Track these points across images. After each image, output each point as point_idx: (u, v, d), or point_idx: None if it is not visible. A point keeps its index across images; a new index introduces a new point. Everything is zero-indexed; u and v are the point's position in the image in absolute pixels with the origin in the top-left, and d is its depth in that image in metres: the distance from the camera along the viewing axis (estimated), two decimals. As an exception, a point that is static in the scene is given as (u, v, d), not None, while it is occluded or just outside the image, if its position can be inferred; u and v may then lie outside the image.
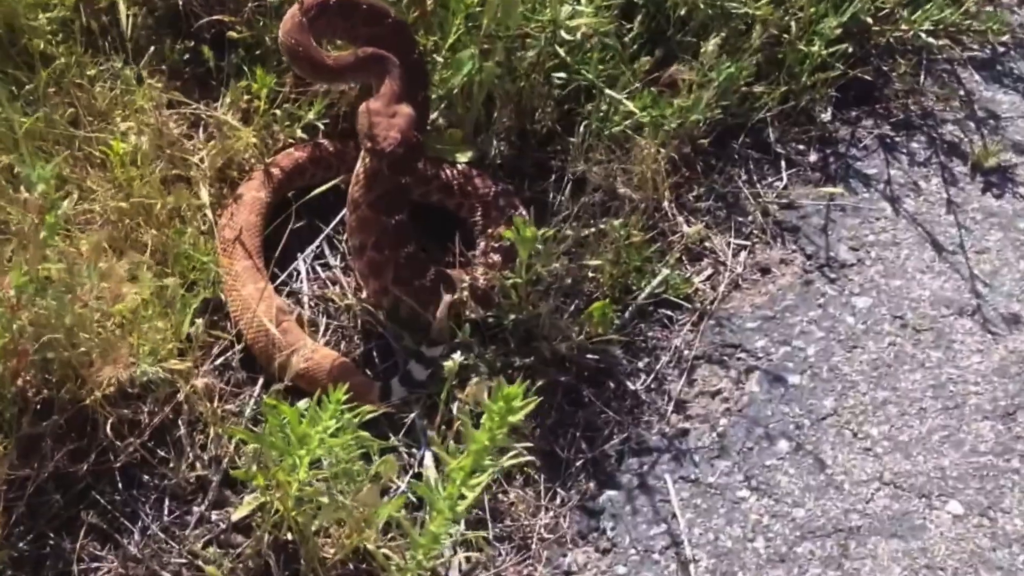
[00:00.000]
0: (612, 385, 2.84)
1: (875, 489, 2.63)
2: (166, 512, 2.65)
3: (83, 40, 3.11)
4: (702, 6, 3.22)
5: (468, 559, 2.59)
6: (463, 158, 3.06)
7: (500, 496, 2.67)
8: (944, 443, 2.69)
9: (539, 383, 2.77)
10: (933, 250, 3.02)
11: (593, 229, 2.95)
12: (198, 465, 2.68)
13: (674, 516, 2.61)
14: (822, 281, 2.99)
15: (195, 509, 2.65)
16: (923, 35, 3.37)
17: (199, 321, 2.67)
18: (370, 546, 2.40)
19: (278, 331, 2.77)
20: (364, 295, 2.89)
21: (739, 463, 2.68)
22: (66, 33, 3.09)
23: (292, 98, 3.18)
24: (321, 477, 2.36)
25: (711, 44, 3.06)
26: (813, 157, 3.26)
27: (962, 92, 3.40)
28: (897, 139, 3.28)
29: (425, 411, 2.71)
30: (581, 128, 3.05)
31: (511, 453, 2.43)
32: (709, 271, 3.05)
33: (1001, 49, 3.50)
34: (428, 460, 2.67)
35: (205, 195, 2.89)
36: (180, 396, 2.65)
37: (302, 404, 2.38)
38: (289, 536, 2.48)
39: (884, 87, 3.38)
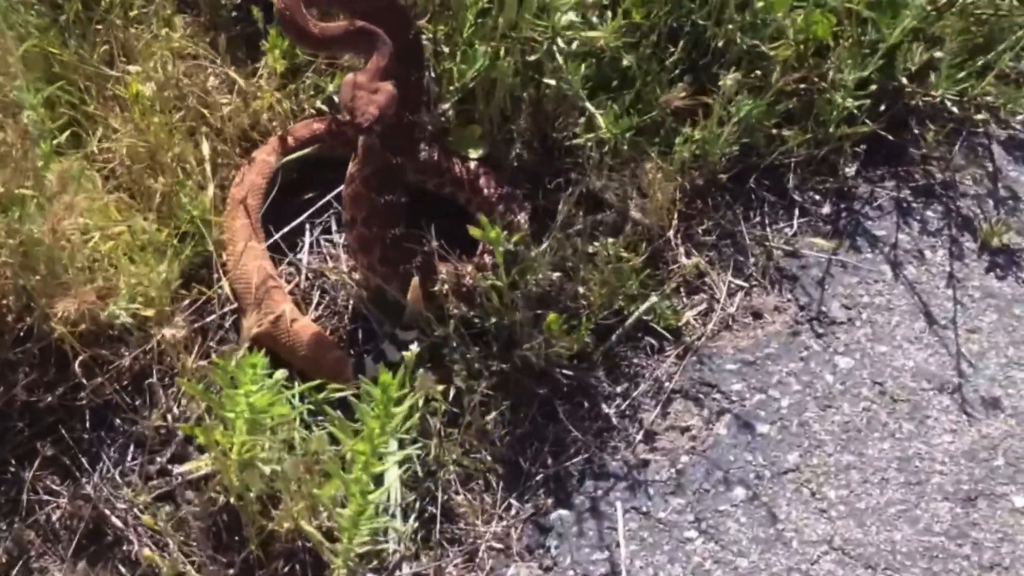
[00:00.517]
0: (587, 405, 2.86)
1: (823, 552, 2.63)
2: (128, 458, 2.70)
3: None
4: (738, 40, 3.19)
5: (414, 555, 2.62)
6: (474, 154, 3.07)
7: (456, 498, 2.69)
8: (900, 517, 2.69)
9: (515, 391, 2.84)
10: (925, 321, 3.01)
11: (592, 246, 2.96)
12: (169, 417, 2.72)
13: (618, 545, 2.62)
14: (809, 335, 2.98)
15: (157, 460, 2.70)
16: (948, 103, 3.33)
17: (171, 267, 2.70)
18: (303, 523, 2.42)
19: (261, 293, 2.80)
20: (356, 275, 2.91)
21: (692, 503, 2.69)
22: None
23: (323, 68, 3.21)
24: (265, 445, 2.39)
25: (729, 79, 3.04)
26: (826, 209, 3.24)
27: (989, 167, 3.36)
28: (914, 204, 3.26)
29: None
30: (595, 142, 3.05)
31: (404, 451, 2.44)
32: (703, 307, 3.05)
33: (1035, 130, 3.47)
34: (393, 446, 2.69)
35: (206, 149, 2.92)
36: (153, 345, 2.69)
37: (279, 374, 2.43)
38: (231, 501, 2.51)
39: (912, 150, 3.35)
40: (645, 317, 2.97)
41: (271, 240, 2.98)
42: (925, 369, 2.93)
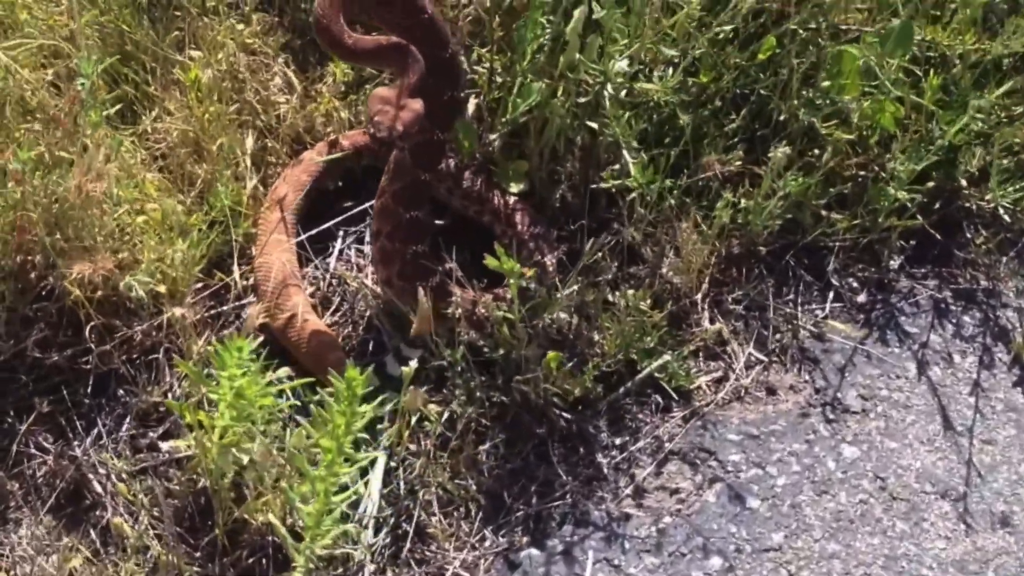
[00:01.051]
0: (582, 451, 2.84)
1: (790, 636, 2.58)
2: (122, 429, 2.74)
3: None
4: (799, 116, 3.17)
5: (380, 569, 2.61)
6: (515, 188, 3.09)
7: (433, 520, 2.68)
8: (876, 615, 2.63)
9: (512, 425, 2.83)
10: (941, 425, 2.95)
11: (614, 295, 2.95)
12: (169, 395, 2.76)
13: (582, 593, 2.60)
14: (819, 419, 2.94)
15: (150, 435, 2.74)
16: (1002, 211, 3.27)
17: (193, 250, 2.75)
18: (271, 516, 2.43)
19: (277, 290, 2.84)
20: (375, 286, 2.94)
21: (667, 564, 2.65)
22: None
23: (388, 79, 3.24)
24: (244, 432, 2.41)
25: (779, 151, 3.02)
26: (862, 298, 3.20)
27: (1038, 281, 3.30)
28: (952, 307, 3.20)
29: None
30: (638, 195, 3.04)
31: (373, 454, 2.45)
32: (718, 374, 3.02)
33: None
34: (380, 461, 2.70)
35: (250, 142, 2.97)
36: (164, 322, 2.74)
37: (282, 372, 2.46)
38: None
39: (960, 253, 3.29)
40: (657, 374, 2.95)
41: (300, 239, 3.02)
42: (931, 472, 2.86)
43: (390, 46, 2.76)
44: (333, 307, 3.00)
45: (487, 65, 3.08)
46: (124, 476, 2.62)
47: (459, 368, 2.77)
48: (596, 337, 2.92)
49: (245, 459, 2.43)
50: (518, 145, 3.15)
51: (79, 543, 2.58)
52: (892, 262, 3.27)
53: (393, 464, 2.71)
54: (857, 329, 3.13)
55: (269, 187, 3.08)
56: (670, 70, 3.06)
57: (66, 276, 2.62)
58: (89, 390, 2.76)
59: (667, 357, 2.94)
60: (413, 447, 2.75)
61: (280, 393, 2.48)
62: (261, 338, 2.81)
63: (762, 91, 3.24)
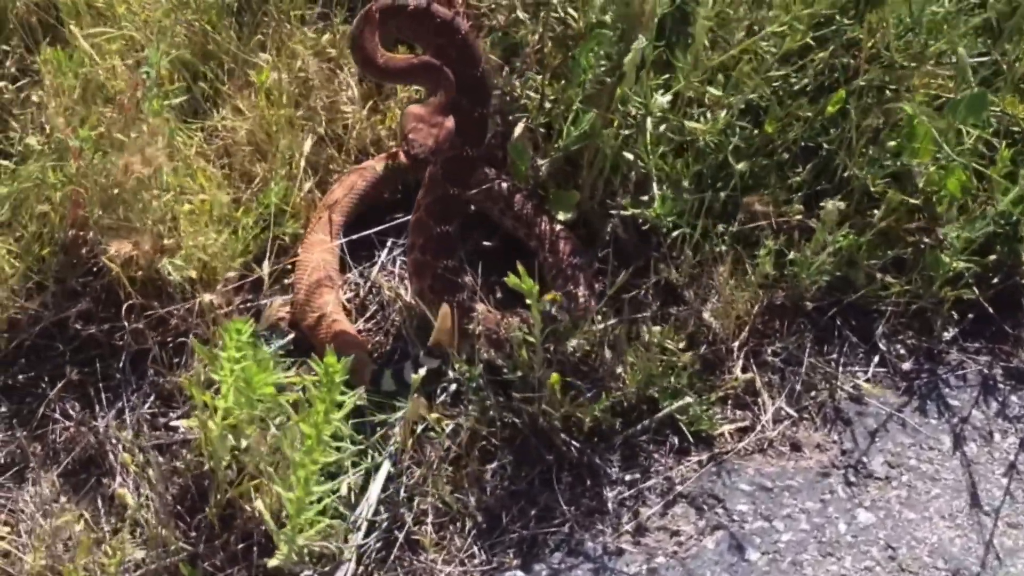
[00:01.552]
0: (589, 483, 2.84)
1: None
2: (146, 407, 2.84)
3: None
4: (861, 174, 3.13)
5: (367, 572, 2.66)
6: (563, 217, 3.11)
7: (427, 529, 2.71)
8: None
9: (521, 448, 2.85)
10: (966, 502, 2.86)
11: (644, 331, 2.95)
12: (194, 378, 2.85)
13: (562, 622, 2.60)
14: (839, 480, 2.88)
15: (170, 414, 2.83)
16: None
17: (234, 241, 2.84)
18: (258, 503, 2.49)
19: (311, 289, 2.92)
20: (408, 297, 2.99)
21: (650, 604, 2.64)
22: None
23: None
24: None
25: (831, 205, 3.00)
26: (908, 365, 3.13)
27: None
28: (1001, 385, 3.11)
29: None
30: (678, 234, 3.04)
31: (354, 449, 2.49)
32: (744, 424, 2.99)
33: None
34: (385, 466, 2.75)
35: (307, 145, 3.06)
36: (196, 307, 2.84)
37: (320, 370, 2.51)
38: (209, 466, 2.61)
39: (1016, 331, 3.20)
40: (678, 416, 2.93)
41: (343, 242, 3.10)
42: (947, 549, 2.78)
43: (421, 65, 2.85)
44: (369, 313, 3.07)
45: (538, 89, 3.12)
46: (136, 450, 2.71)
47: (474, 385, 2.80)
48: (619, 370, 2.92)
49: (243, 443, 2.50)
50: (571, 173, 3.18)
51: (84, 508, 2.69)
52: (946, 333, 3.19)
53: (398, 470, 2.76)
54: (897, 395, 3.07)
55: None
56: (723, 112, 3.05)
57: (106, 252, 2.73)
58: (121, 365, 2.87)
59: (689, 400, 2.93)
60: (420, 456, 2.78)
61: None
62: (292, 335, 2.93)
63: (825, 144, 3.22)
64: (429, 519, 2.73)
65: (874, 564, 2.74)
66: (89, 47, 3.02)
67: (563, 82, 3.08)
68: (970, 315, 3.19)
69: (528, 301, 2.66)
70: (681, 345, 3.02)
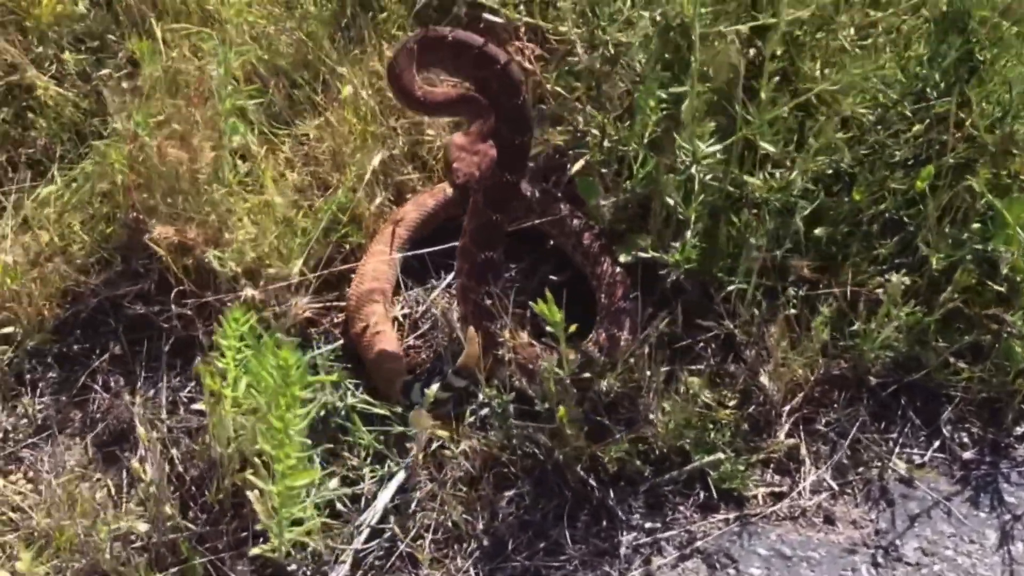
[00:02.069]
0: (605, 524, 2.84)
1: None
2: (186, 391, 2.96)
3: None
4: (938, 253, 3.05)
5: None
6: (622, 259, 3.11)
7: (428, 544, 2.76)
8: None
9: (540, 479, 2.86)
10: (999, 602, 2.74)
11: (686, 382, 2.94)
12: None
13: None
14: (866, 559, 2.79)
15: (201, 399, 2.94)
16: None
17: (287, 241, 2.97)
18: (250, 493, 2.56)
19: (362, 298, 3.04)
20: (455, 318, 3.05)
21: (637, 652, 2.60)
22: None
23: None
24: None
25: (895, 278, 2.93)
26: (968, 455, 3.02)
27: None
28: (1067, 490, 2.97)
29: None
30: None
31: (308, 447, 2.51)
32: (780, 489, 2.93)
33: None
34: (399, 475, 2.81)
35: (376, 160, 3.15)
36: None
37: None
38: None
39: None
40: (710, 471, 2.89)
41: (400, 256, 3.17)
42: (969, 646, 2.66)
43: (459, 99, 2.94)
44: (420, 331, 3.13)
45: (600, 126, 3.15)
46: (159, 429, 2.83)
47: (500, 411, 2.83)
48: (652, 416, 2.91)
49: (234, 432, 2.60)
50: (640, 215, 3.18)
51: (110, 478, 2.82)
52: (1017, 427, 3.07)
53: (413, 483, 2.80)
54: (950, 483, 2.96)
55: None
56: (778, 172, 3.02)
57: (150, 234, 2.89)
58: (166, 348, 3.00)
59: (720, 456, 2.89)
60: (443, 474, 2.83)
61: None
62: (340, 341, 3.02)
63: (905, 219, 3.15)
64: (429, 535, 2.76)
65: (885, 650, 2.65)
66: (184, 46, 3.19)
67: (627, 122, 3.10)
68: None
69: (549, 329, 2.69)
70: (732, 402, 3.01)
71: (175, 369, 3.00)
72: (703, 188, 2.96)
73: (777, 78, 2.98)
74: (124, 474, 2.82)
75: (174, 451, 2.79)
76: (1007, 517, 2.90)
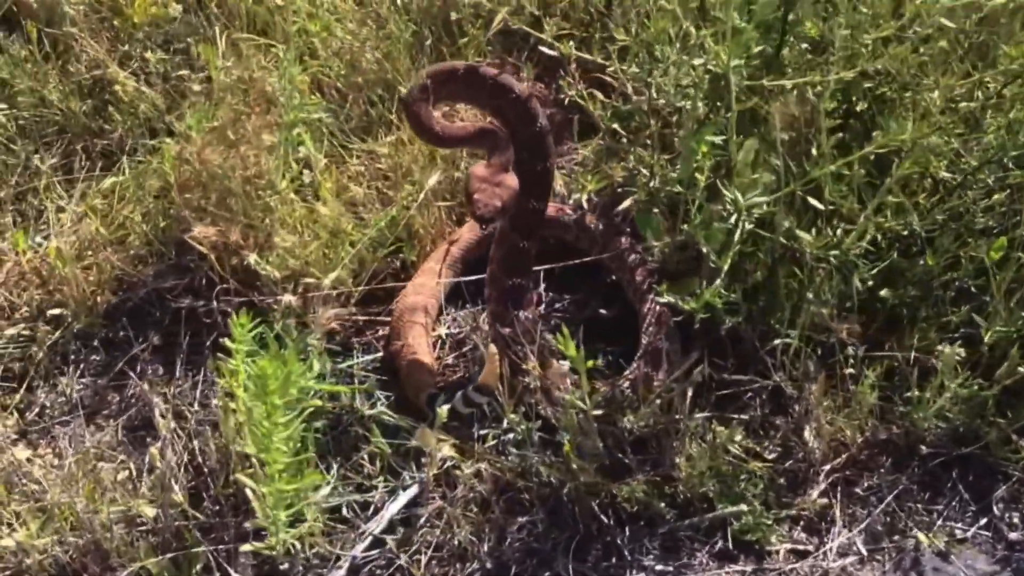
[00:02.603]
0: (615, 560, 2.82)
1: None
2: (218, 385, 3.04)
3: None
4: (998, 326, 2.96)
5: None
6: (662, 298, 3.09)
7: (429, 560, 2.78)
8: None
9: (554, 508, 2.86)
10: None
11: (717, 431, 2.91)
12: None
13: None
14: (878, 628, 2.71)
15: (227, 396, 3.04)
16: None
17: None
18: (248, 491, 2.61)
19: (405, 312, 3.12)
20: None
21: None
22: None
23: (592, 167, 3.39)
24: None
25: (948, 349, 2.86)
26: (1015, 535, 2.91)
27: None
28: (1116, 583, 2.84)
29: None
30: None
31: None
32: (806, 547, 2.86)
33: None
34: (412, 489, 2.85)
35: (432, 180, 3.21)
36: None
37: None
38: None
39: None
40: (734, 520, 2.85)
41: (447, 276, 3.24)
42: None
43: (477, 132, 3.00)
44: (463, 350, 3.18)
45: (647, 166, 3.16)
46: (189, 421, 2.93)
47: (520, 438, 2.84)
48: (677, 460, 2.88)
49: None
50: (695, 258, 3.16)
51: (133, 461, 2.93)
52: (1073, 513, 2.95)
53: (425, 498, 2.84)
54: (989, 563, 2.86)
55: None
56: (842, 232, 2.97)
57: (190, 232, 3.03)
58: (208, 342, 3.10)
59: (743, 507, 2.85)
60: (453, 493, 2.85)
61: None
62: (380, 353, 3.08)
63: (974, 288, 3.07)
64: (430, 551, 2.79)
65: None
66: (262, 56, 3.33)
67: (678, 164, 3.09)
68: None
69: (566, 363, 2.71)
70: (772, 455, 2.97)
71: (207, 361, 3.09)
72: (750, 238, 2.94)
73: (837, 133, 2.94)
74: (146, 460, 2.92)
75: (196, 442, 2.88)
76: (1045, 605, 2.79)
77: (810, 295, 3.00)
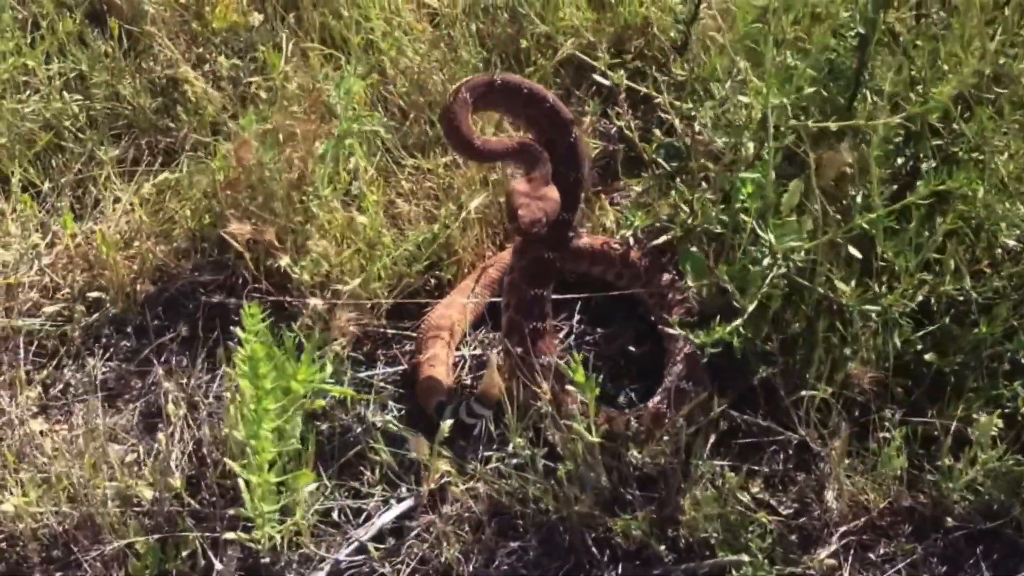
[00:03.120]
0: (600, 604, 2.79)
1: None
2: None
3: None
4: None
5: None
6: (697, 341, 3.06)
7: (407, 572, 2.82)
8: None
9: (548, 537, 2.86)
10: None
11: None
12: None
13: None
14: None
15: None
16: None
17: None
18: (233, 464, 2.66)
19: (431, 327, 3.19)
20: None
21: None
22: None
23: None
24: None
25: (984, 419, 2.77)
26: (1036, 620, 2.78)
27: None
28: None
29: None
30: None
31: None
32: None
33: None
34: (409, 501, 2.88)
35: (477, 201, 3.28)
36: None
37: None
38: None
39: None
40: (735, 571, 2.79)
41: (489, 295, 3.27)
42: None
43: (517, 147, 3.04)
44: (480, 372, 3.19)
45: (688, 203, 3.14)
46: (201, 411, 3.01)
47: (521, 462, 2.85)
48: (682, 501, 2.84)
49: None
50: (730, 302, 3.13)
51: (140, 444, 3.03)
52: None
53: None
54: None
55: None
56: (886, 288, 2.91)
57: (227, 228, 3.13)
58: (234, 340, 3.17)
59: (745, 558, 2.78)
60: (446, 509, 2.86)
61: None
62: (403, 367, 3.13)
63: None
64: (414, 563, 2.80)
65: None
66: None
67: (722, 205, 3.08)
68: None
69: (571, 389, 2.72)
70: (787, 510, 2.90)
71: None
72: (790, 287, 2.92)
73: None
74: (152, 443, 3.01)
75: (205, 430, 2.95)
76: None
77: (848, 351, 2.95)
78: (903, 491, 2.91)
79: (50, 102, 3.59)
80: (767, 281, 2.83)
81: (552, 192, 2.92)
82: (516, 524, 2.86)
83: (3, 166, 3.51)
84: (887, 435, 2.93)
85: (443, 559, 2.81)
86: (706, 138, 3.07)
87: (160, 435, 2.93)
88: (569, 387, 2.86)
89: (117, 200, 3.41)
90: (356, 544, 2.81)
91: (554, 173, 2.97)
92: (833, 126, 2.86)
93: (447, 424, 2.79)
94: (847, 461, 2.88)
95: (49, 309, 3.24)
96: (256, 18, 3.68)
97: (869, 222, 2.87)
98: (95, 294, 3.26)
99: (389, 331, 3.22)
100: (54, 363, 3.19)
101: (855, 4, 2.95)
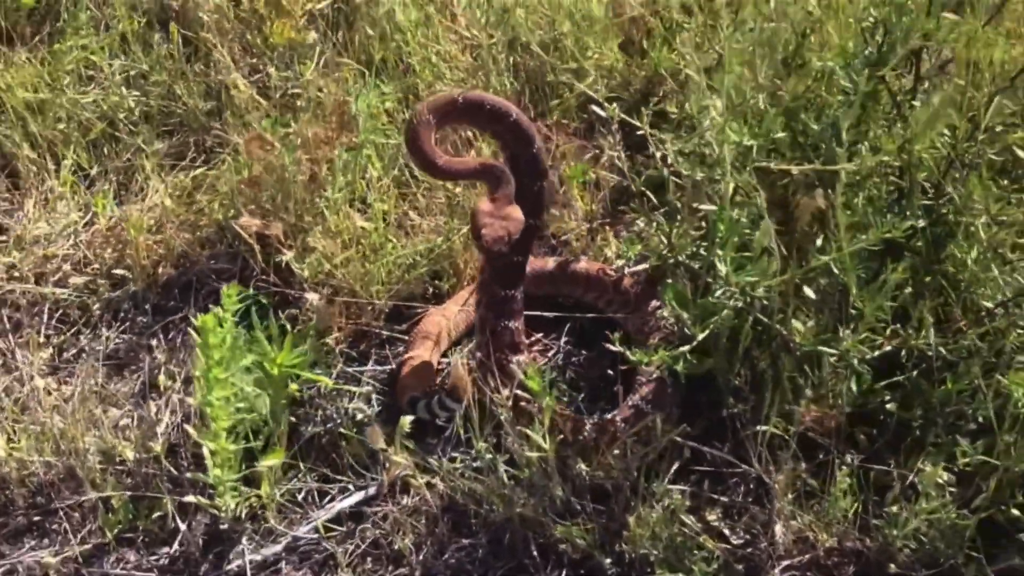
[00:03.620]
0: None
1: None
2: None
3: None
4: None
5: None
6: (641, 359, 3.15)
7: (356, 559, 2.97)
8: None
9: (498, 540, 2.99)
10: None
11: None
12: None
13: None
14: None
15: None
16: None
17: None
18: (190, 429, 2.86)
19: (421, 332, 3.36)
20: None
21: None
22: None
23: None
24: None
25: (929, 468, 2.83)
26: (967, 675, 2.82)
27: None
28: None
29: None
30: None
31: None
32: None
33: None
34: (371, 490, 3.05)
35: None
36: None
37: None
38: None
39: None
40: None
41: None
42: None
43: (478, 168, 3.18)
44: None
45: (665, 235, 3.24)
46: (190, 385, 3.23)
47: (479, 465, 2.99)
48: (629, 517, 2.94)
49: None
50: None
51: (136, 411, 3.25)
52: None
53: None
54: None
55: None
56: (849, 332, 2.97)
57: (237, 220, 3.39)
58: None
59: (691, 585, 2.89)
60: (405, 500, 3.03)
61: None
62: (391, 366, 3.31)
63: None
64: (366, 545, 2.97)
65: None
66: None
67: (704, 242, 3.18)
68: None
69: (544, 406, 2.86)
70: (738, 540, 2.99)
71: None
72: (745, 318, 3.00)
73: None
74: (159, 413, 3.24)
75: (191, 402, 3.17)
76: None
77: (810, 392, 3.03)
78: (851, 532, 2.97)
79: (109, 95, 3.88)
80: (722, 313, 2.94)
81: (515, 212, 3.06)
82: (470, 522, 2.99)
83: (59, 150, 3.79)
84: (849, 480, 3.00)
85: (395, 547, 2.95)
86: (680, 171, 3.19)
87: (151, 403, 3.16)
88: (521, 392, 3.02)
89: (156, 190, 3.67)
90: (315, 524, 2.98)
91: (519, 184, 3.11)
92: (795, 169, 2.96)
93: (407, 419, 2.94)
94: (791, 497, 2.94)
95: (77, 280, 3.51)
96: (312, 36, 3.93)
97: (841, 270, 2.96)
98: (121, 271, 3.53)
99: (384, 332, 3.39)
100: (73, 330, 3.45)
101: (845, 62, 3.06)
